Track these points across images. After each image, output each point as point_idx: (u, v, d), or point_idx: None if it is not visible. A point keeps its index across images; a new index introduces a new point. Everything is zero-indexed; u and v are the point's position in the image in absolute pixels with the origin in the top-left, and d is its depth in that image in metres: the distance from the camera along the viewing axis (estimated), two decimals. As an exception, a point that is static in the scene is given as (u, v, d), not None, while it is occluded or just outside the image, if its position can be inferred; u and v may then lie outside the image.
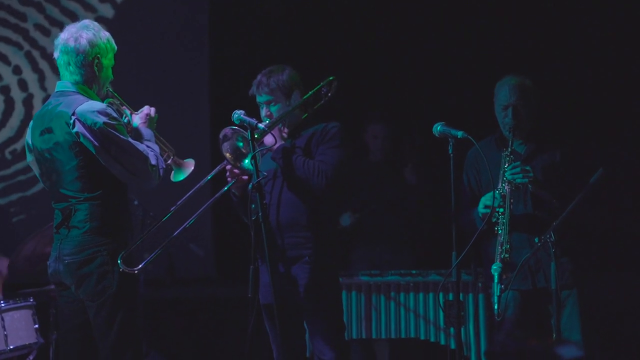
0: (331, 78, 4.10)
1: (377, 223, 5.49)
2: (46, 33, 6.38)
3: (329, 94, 4.09)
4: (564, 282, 4.00)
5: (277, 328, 3.77)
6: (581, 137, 5.49)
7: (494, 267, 3.93)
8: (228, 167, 3.87)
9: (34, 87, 6.41)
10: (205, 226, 6.31)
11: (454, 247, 3.72)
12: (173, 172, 3.79)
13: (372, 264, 5.39)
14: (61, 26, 3.68)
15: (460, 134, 3.73)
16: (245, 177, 3.91)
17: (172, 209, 3.73)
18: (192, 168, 3.79)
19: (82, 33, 3.56)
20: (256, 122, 3.78)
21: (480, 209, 4.15)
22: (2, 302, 4.90)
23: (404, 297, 4.82)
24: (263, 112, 4.01)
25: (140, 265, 3.48)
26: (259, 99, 4.02)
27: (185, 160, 3.81)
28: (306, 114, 4.07)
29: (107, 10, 6.43)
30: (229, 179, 3.90)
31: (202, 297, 6.17)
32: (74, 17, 6.14)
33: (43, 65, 6.42)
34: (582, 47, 6.08)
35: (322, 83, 4.08)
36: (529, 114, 4.24)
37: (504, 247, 3.97)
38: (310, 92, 4.04)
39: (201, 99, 6.52)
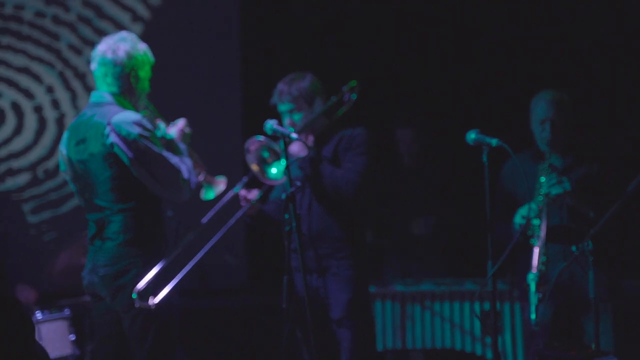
0: (353, 83, 4.04)
1: (410, 230, 5.47)
2: (79, 52, 6.45)
3: (352, 99, 4.02)
4: (599, 295, 3.92)
5: (311, 339, 3.72)
6: (620, 149, 5.45)
7: (530, 276, 3.90)
8: (241, 193, 3.86)
9: (66, 106, 6.46)
10: (238, 236, 6.29)
11: (489, 255, 3.65)
12: (204, 189, 3.78)
13: (405, 272, 5.35)
14: (93, 46, 3.69)
15: (494, 141, 3.66)
16: (255, 205, 3.90)
17: (202, 220, 3.72)
18: (224, 187, 3.78)
19: (119, 45, 3.59)
20: (288, 131, 3.77)
21: (517, 220, 4.13)
22: (38, 313, 4.94)
23: (439, 307, 4.79)
24: (286, 120, 3.98)
25: (155, 300, 3.44)
26: (280, 107, 4.00)
27: (217, 178, 3.80)
28: (331, 120, 4.02)
29: (139, 29, 6.50)
30: (242, 203, 3.87)
31: (235, 307, 6.15)
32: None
33: (75, 84, 6.47)
34: (620, 58, 6.06)
35: (344, 88, 4.03)
36: (566, 127, 4.25)
37: (540, 260, 3.94)
38: (333, 98, 3.98)
39: (233, 112, 6.55)
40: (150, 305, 3.41)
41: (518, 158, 3.97)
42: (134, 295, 3.39)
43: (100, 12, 6.50)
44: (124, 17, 6.54)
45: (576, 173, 4.21)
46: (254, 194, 3.87)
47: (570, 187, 4.07)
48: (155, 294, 3.44)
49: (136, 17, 6.56)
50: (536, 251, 3.95)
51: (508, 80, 6.01)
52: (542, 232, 3.97)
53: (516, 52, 6.15)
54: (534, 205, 4.00)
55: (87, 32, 6.46)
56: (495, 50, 6.20)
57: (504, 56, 6.17)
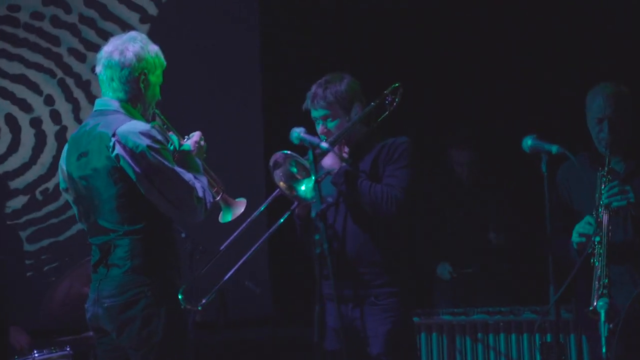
0: (396, 85, 3.96)
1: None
2: (81, 58, 6.45)
3: (395, 104, 3.95)
4: None
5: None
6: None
7: (600, 303, 3.74)
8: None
9: (67, 118, 6.45)
10: (262, 261, 6.28)
11: (551, 279, 3.51)
12: (222, 211, 3.72)
13: (455, 300, 5.36)
14: (98, 50, 3.63)
15: (554, 148, 3.59)
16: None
17: (221, 247, 3.68)
18: (243, 209, 3.71)
19: (128, 45, 3.53)
20: (318, 141, 3.65)
21: (575, 238, 3.96)
22: (35, 352, 4.86)
23: (494, 339, 4.79)
24: (319, 128, 3.88)
25: (203, 301, 3.50)
26: (314, 113, 3.90)
27: (236, 200, 3.74)
28: (370, 128, 3.94)
29: (147, 30, 6.53)
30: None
31: (259, 340, 6.13)
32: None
33: (78, 94, 6.48)
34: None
35: (386, 91, 3.94)
36: (627, 126, 4.08)
37: (601, 282, 3.77)
38: (373, 103, 3.89)
39: (253, 121, 6.61)
40: (196, 307, 3.49)
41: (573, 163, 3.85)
42: (180, 296, 3.39)
43: (105, 12, 6.50)
44: (133, 17, 6.54)
45: None
46: None
47: (634, 198, 3.90)
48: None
49: (145, 18, 6.56)
50: (597, 274, 3.79)
51: (561, 76, 5.99)
52: (604, 251, 3.81)
53: (570, 42, 6.16)
54: (591, 219, 3.87)
55: (90, 34, 6.46)
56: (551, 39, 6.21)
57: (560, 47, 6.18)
